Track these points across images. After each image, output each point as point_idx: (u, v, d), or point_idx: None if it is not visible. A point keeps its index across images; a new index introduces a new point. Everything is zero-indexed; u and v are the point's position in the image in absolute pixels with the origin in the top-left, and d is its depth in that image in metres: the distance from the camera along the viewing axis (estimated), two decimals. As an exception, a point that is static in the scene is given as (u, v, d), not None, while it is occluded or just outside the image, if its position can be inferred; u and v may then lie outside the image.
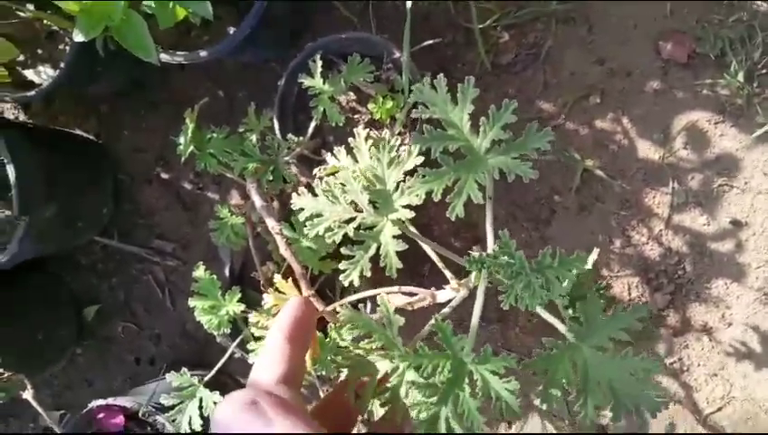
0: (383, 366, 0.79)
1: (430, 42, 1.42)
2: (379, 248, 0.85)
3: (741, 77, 1.43)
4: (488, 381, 0.74)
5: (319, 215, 0.88)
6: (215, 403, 1.13)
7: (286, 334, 0.63)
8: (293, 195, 0.91)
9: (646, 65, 1.47)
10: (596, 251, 1.11)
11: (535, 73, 1.52)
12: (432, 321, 0.79)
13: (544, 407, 0.80)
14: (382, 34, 1.38)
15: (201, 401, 1.14)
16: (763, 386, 1.49)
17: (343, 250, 0.86)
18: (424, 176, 0.79)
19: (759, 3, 1.43)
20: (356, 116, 1.33)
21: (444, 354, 0.75)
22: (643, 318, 0.85)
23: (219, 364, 1.20)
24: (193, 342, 1.80)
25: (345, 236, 0.86)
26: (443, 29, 1.53)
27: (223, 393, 1.16)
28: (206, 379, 1.18)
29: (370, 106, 1.26)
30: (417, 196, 0.82)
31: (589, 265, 1.04)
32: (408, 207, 0.82)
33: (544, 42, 1.51)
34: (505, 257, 0.79)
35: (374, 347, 0.82)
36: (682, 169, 1.48)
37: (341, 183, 0.89)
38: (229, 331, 1.16)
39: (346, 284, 0.87)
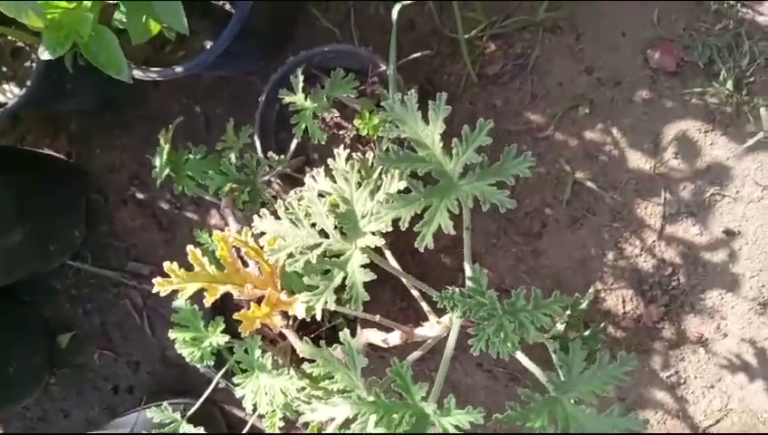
0: (344, 411, 0.74)
1: (417, 54, 1.37)
2: (345, 278, 0.78)
3: (729, 85, 1.41)
4: None
5: (282, 239, 0.81)
6: (199, 440, 1.06)
7: None
8: (255, 217, 0.85)
9: (634, 74, 1.45)
10: (592, 289, 1.04)
11: (523, 84, 1.49)
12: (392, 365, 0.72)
13: None
14: (365, 46, 1.33)
15: (184, 438, 1.07)
16: (760, 397, 1.46)
17: (306, 280, 0.80)
18: (390, 201, 0.74)
19: (745, 10, 1.42)
20: (341, 132, 1.27)
21: (403, 404, 0.70)
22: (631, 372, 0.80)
23: (203, 397, 1.14)
24: (174, 368, 1.72)
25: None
26: (427, 39, 1.49)
27: (208, 426, 1.10)
28: (189, 413, 1.11)
29: (357, 122, 1.21)
30: (384, 223, 0.75)
31: (584, 306, 0.98)
32: (379, 233, 0.76)
33: (531, 51, 1.48)
34: (477, 297, 0.73)
35: (336, 389, 0.76)
36: (673, 179, 1.46)
37: (306, 205, 0.83)
38: (213, 362, 1.09)
39: (308, 318, 0.82)
